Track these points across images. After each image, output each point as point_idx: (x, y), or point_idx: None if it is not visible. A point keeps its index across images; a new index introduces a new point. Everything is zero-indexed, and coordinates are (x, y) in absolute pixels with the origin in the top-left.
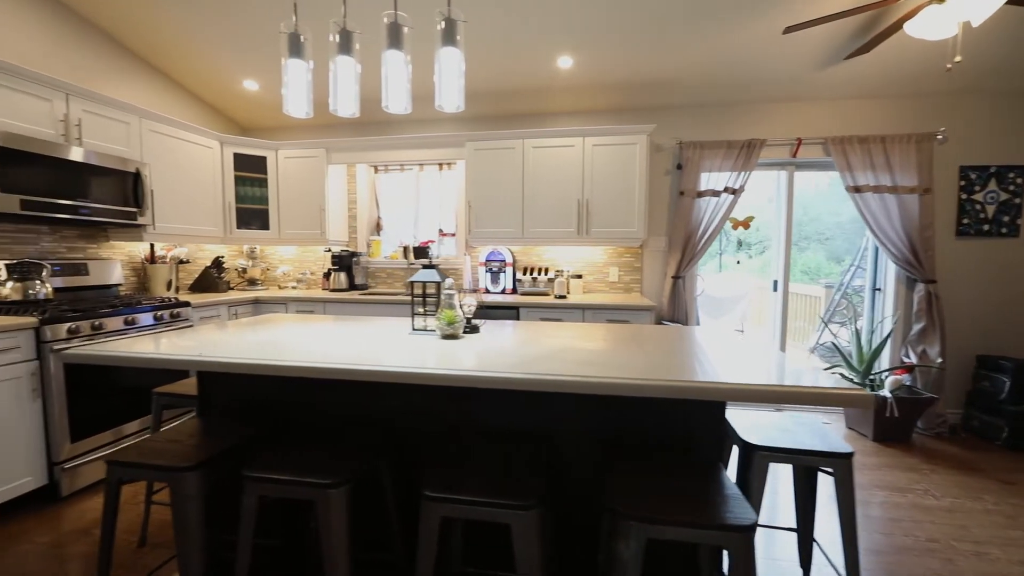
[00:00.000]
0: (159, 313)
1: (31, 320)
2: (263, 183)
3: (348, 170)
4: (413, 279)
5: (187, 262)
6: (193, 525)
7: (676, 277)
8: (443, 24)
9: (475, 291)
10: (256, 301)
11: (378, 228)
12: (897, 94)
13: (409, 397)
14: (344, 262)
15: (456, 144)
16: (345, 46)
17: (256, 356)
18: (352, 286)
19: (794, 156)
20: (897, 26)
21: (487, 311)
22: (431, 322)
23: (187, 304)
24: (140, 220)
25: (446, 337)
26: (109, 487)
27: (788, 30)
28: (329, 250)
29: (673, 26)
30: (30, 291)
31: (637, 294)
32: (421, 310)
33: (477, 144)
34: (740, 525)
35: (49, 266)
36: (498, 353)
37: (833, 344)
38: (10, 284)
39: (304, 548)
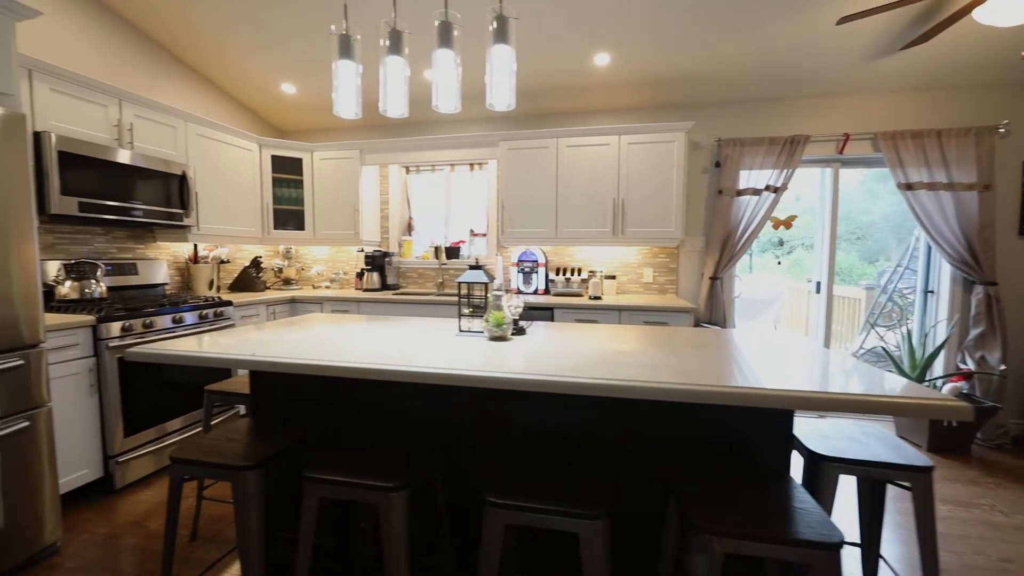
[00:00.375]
0: (204, 312)
1: (89, 318)
2: (299, 184)
3: (380, 171)
4: (461, 279)
5: (227, 262)
6: (254, 522)
7: (714, 278)
8: (495, 22)
9: (507, 291)
10: (293, 301)
11: (409, 228)
12: (955, 85)
13: (460, 399)
14: (377, 262)
15: (488, 144)
16: (395, 46)
17: (313, 356)
18: (384, 286)
19: (840, 152)
20: (963, 12)
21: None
22: (476, 323)
23: (229, 303)
24: (186, 221)
25: (494, 339)
26: (173, 484)
27: (843, 20)
28: (362, 250)
29: (714, 20)
30: (86, 290)
31: (672, 295)
32: (467, 311)
33: (511, 144)
34: (828, 543)
35: (103, 266)
36: (550, 356)
37: (882, 348)
38: (68, 283)
39: (355, 548)
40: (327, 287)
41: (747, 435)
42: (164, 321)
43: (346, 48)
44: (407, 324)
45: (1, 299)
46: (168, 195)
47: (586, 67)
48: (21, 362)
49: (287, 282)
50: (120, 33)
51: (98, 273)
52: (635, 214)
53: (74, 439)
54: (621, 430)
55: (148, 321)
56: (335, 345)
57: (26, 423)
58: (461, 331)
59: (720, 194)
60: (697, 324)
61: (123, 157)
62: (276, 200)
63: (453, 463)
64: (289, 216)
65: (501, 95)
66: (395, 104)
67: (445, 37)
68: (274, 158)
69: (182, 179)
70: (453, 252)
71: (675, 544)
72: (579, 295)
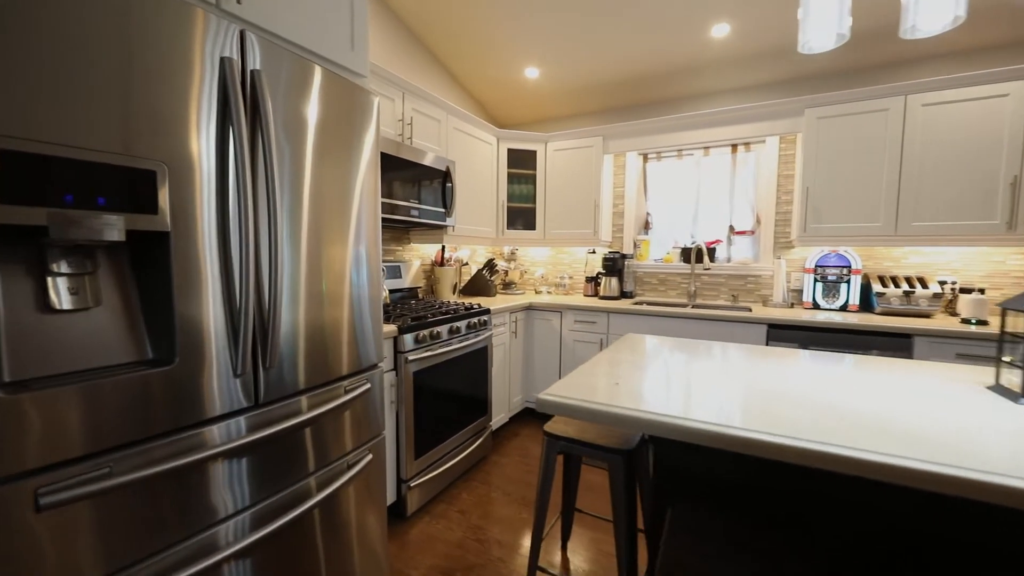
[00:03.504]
0: (472, 321)
1: (391, 328)
2: (531, 180)
3: (615, 160)
4: (1007, 304)
5: (467, 264)
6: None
7: None
8: None
9: (791, 305)
10: (530, 308)
11: (646, 227)
12: None
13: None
14: (616, 265)
15: (780, 115)
16: None
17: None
18: (622, 293)
19: None
20: None
21: (816, 334)
22: (1013, 377)
23: (488, 311)
24: (447, 221)
25: None
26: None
27: None
28: (593, 251)
29: None
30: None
31: None
32: (1008, 358)
33: (823, 111)
34: None
35: (385, 269)
36: None
37: None
38: None
39: None
40: (548, 292)
41: None
42: (443, 331)
43: None
44: (870, 368)
45: (355, 312)
46: (435, 193)
47: None
48: (368, 386)
49: (507, 286)
50: (376, 17)
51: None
52: None
53: None
54: None
55: (435, 332)
56: (779, 404)
57: (370, 456)
58: (998, 385)
59: None
60: None
61: (407, 154)
62: (509, 197)
63: None
64: (519, 215)
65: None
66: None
67: None
68: (509, 152)
69: (445, 176)
70: (707, 254)
71: None
72: (926, 315)
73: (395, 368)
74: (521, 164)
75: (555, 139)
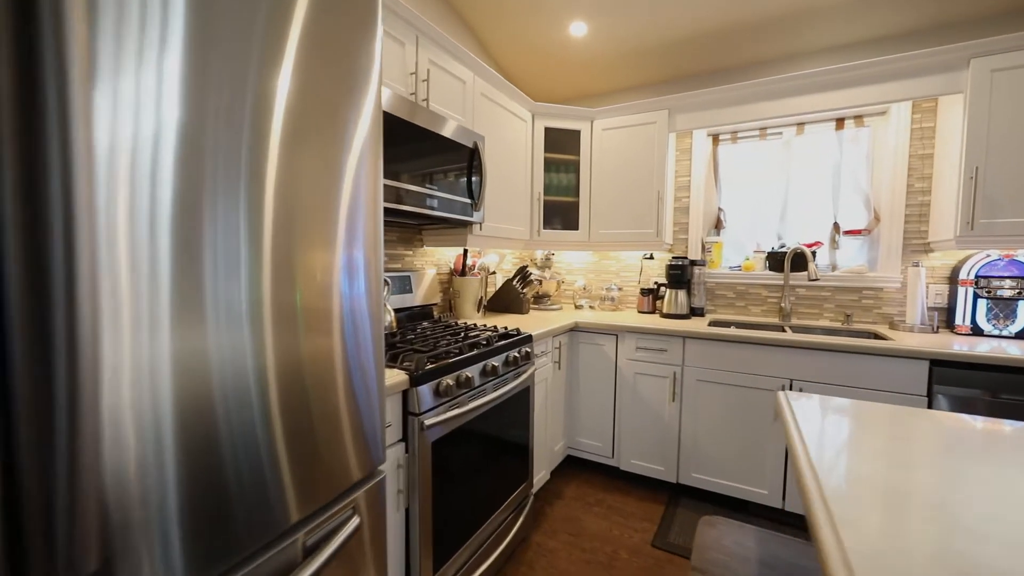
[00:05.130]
0: (512, 355)
1: (400, 377)
2: (572, 167)
3: (677, 143)
4: None
5: (494, 273)
6: None
7: None
8: None
9: (935, 330)
10: (575, 329)
11: (717, 225)
12: None
13: None
14: (684, 274)
15: (911, 72)
16: None
17: None
18: (691, 310)
19: None
20: None
21: (1011, 376)
22: None
23: (530, 338)
24: (475, 216)
25: None
26: None
27: None
28: (651, 256)
29: None
30: None
31: None
32: None
33: (1003, 59)
34: None
35: (388, 282)
36: None
37: None
38: None
39: None
40: (590, 308)
41: None
42: (474, 372)
43: None
44: None
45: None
46: (457, 179)
47: None
48: (357, 523)
49: (539, 299)
50: None
51: (385, 293)
52: None
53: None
54: None
55: (463, 376)
56: None
57: None
58: None
59: None
60: None
61: (423, 119)
62: (546, 189)
63: None
64: (558, 211)
65: None
66: None
67: None
68: (547, 132)
69: (472, 156)
70: (801, 260)
71: None
72: None
73: (404, 438)
74: (561, 147)
75: (605, 115)
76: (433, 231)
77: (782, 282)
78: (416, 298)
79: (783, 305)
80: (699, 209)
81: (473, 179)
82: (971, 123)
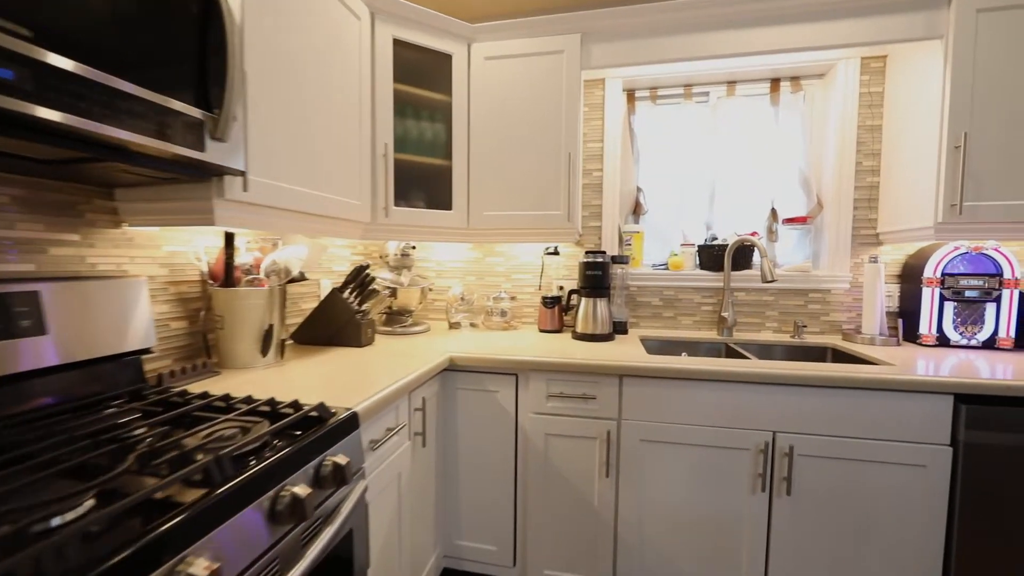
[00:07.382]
0: (293, 492)
1: None
2: (442, 114)
3: (587, 95)
4: None
5: (302, 279)
6: None
7: None
8: None
9: (898, 343)
10: (451, 368)
11: (635, 210)
12: None
13: None
14: (604, 277)
15: (870, 10)
16: None
17: None
18: (614, 327)
19: None
20: None
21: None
22: None
23: (353, 422)
24: (210, 152)
25: None
26: None
27: None
28: (555, 251)
29: None
30: None
31: None
32: None
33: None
34: None
35: None
36: None
37: None
38: None
39: None
40: (472, 326)
41: None
42: None
43: None
44: None
45: None
46: (171, 60)
47: None
48: None
49: (393, 317)
50: None
51: None
52: None
53: None
54: None
55: None
56: None
57: None
58: None
59: None
60: None
61: None
62: (398, 144)
63: None
64: (420, 178)
65: None
66: None
67: None
68: (400, 48)
69: (205, 22)
70: (744, 256)
71: None
72: None
73: None
74: (423, 80)
75: (490, 35)
76: (137, 190)
77: (721, 284)
78: (99, 345)
79: (725, 315)
80: (615, 188)
81: (208, 71)
82: (954, 77)
